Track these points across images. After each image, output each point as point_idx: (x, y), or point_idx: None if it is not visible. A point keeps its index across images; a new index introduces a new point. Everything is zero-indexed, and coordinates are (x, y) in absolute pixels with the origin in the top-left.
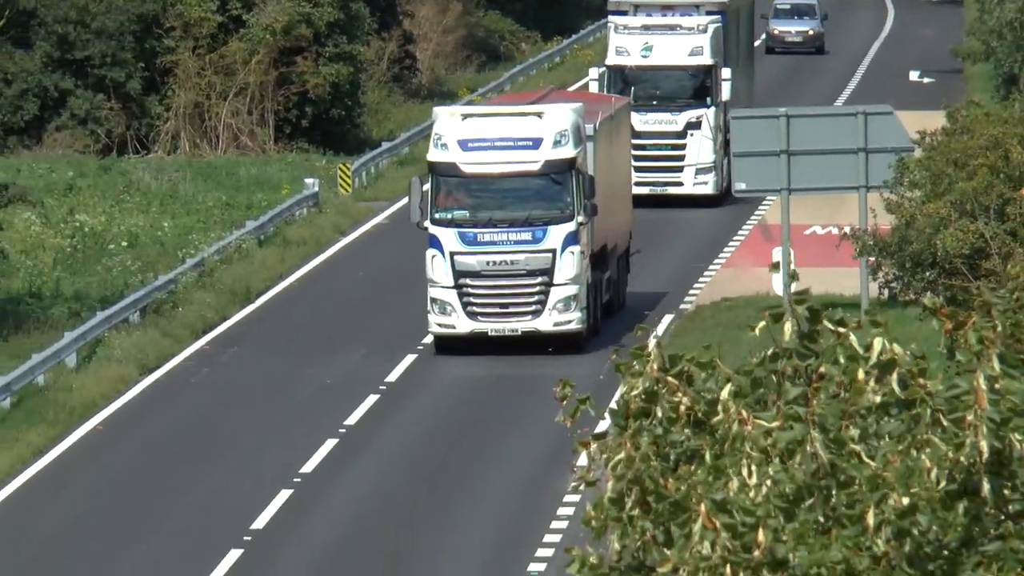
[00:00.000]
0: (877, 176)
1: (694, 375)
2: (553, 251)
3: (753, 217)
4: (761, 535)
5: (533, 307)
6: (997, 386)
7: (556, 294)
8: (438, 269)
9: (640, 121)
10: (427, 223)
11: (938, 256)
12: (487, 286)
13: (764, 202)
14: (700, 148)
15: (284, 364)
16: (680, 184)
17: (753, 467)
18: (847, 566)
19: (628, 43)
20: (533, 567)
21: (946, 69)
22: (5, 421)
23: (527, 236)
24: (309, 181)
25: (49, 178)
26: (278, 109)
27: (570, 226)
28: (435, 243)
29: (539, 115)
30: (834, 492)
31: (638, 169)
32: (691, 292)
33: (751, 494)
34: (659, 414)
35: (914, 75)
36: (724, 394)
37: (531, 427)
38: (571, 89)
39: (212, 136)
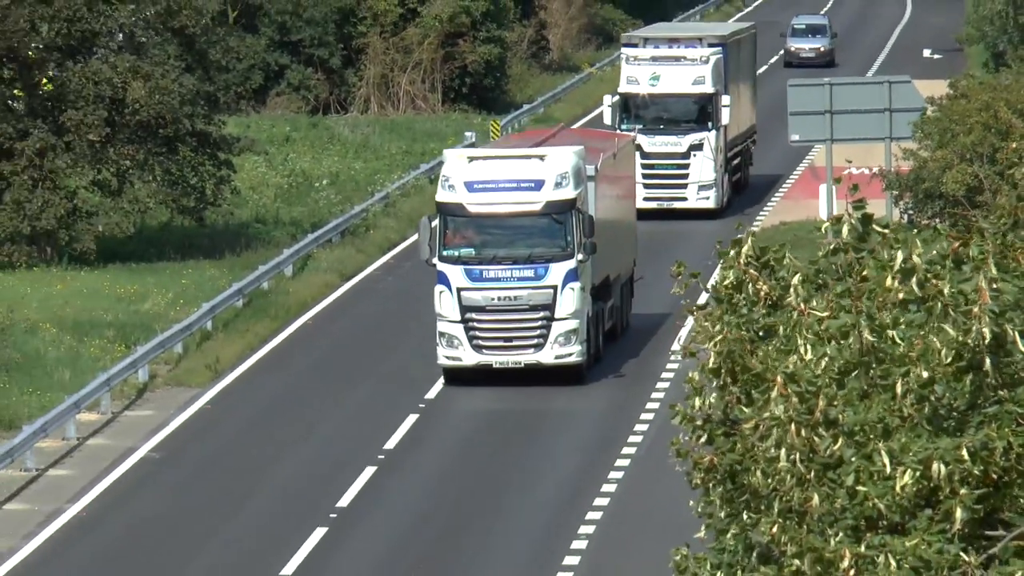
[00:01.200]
0: (898, 130)
1: (774, 266)
2: (554, 287)
3: (804, 162)
4: (821, 401)
5: (535, 341)
6: (995, 286)
7: (557, 328)
8: (446, 304)
9: (648, 143)
10: (436, 260)
11: (944, 191)
12: (492, 320)
13: (812, 151)
14: (702, 167)
15: None
16: (684, 199)
17: (809, 347)
18: (883, 424)
19: (638, 73)
20: None
21: (950, 49)
22: (238, 317)
23: (529, 273)
24: (468, 133)
25: (271, 132)
26: (444, 79)
27: (570, 263)
28: (443, 279)
29: (541, 158)
30: (874, 367)
31: (647, 186)
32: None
33: (813, 367)
34: (744, 298)
35: (927, 53)
36: (795, 280)
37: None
38: (580, 125)
39: (394, 100)
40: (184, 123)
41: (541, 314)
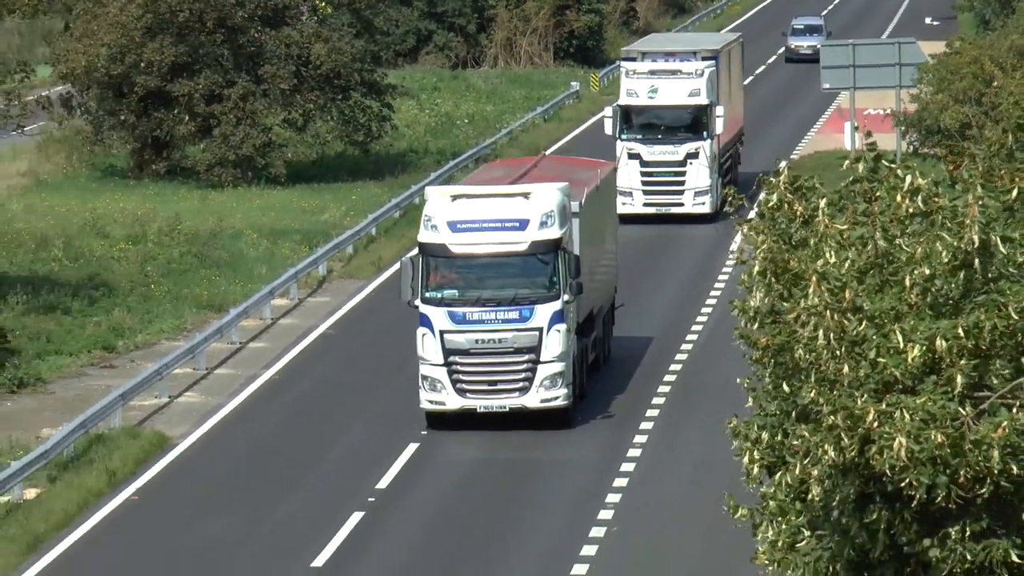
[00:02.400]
0: (906, 80)
1: (806, 191)
2: (540, 329)
3: (832, 105)
4: (847, 293)
5: (520, 384)
6: (982, 202)
7: (543, 371)
8: (428, 347)
9: (647, 152)
10: (418, 302)
11: (941, 127)
12: (476, 363)
13: (838, 96)
14: (698, 174)
15: None
16: (681, 205)
17: (833, 253)
18: (895, 311)
19: (637, 86)
20: None
21: (947, 16)
22: (396, 225)
23: (514, 315)
24: (574, 84)
25: (421, 82)
26: (555, 41)
27: (556, 305)
28: (425, 322)
29: (526, 196)
30: (886, 267)
31: (646, 192)
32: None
33: (838, 268)
34: (783, 215)
35: (928, 20)
36: (822, 203)
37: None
38: (561, 155)
39: (516, 57)
40: (355, 75)
41: (526, 357)
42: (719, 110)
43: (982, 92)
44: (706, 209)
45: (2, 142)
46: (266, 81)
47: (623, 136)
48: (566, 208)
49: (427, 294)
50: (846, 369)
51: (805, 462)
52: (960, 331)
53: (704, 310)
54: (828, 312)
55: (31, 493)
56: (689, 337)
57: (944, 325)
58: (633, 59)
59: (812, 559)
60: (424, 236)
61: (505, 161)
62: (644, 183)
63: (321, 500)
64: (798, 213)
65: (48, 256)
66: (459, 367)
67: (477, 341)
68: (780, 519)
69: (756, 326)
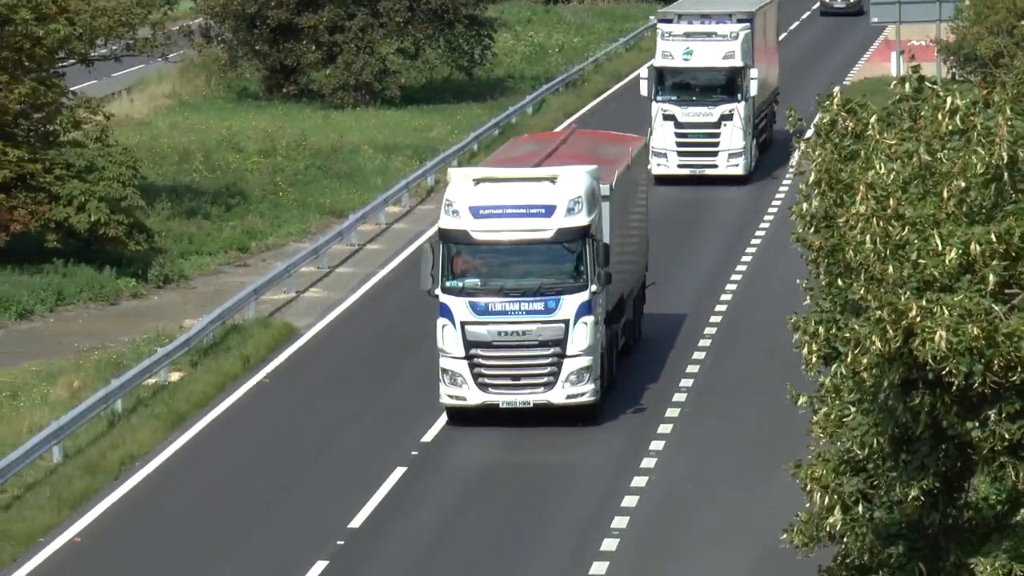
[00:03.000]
0: (946, 13)
1: (857, 110)
2: (566, 321)
3: (878, 39)
4: (892, 201)
5: (545, 379)
6: (1010, 123)
7: (569, 366)
8: (449, 339)
9: (682, 114)
10: (438, 291)
11: (978, 55)
12: (498, 357)
13: (883, 32)
14: (732, 136)
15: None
16: (716, 166)
17: (882, 165)
18: (935, 217)
19: (672, 48)
20: None
21: None
22: (495, 141)
23: (539, 306)
24: (651, 18)
25: (518, 16)
26: None
27: (583, 296)
28: (446, 312)
29: (552, 180)
30: (927, 178)
31: (680, 154)
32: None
33: (885, 179)
34: (836, 132)
35: None
36: (872, 119)
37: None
38: (594, 130)
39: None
40: (460, 9)
41: (552, 350)
42: (753, 72)
43: (1014, 25)
44: (740, 171)
45: (149, 68)
46: (383, 15)
47: (658, 98)
48: (595, 193)
49: (447, 283)
50: (891, 269)
51: (856, 352)
52: (992, 236)
53: (734, 277)
54: (875, 218)
55: (175, 376)
56: (718, 308)
57: (978, 231)
58: (669, 21)
59: (859, 433)
60: (445, 222)
61: (534, 136)
62: (679, 144)
63: (429, 385)
64: (850, 129)
65: (190, 168)
66: (481, 360)
67: (500, 333)
68: (834, 396)
69: (812, 230)
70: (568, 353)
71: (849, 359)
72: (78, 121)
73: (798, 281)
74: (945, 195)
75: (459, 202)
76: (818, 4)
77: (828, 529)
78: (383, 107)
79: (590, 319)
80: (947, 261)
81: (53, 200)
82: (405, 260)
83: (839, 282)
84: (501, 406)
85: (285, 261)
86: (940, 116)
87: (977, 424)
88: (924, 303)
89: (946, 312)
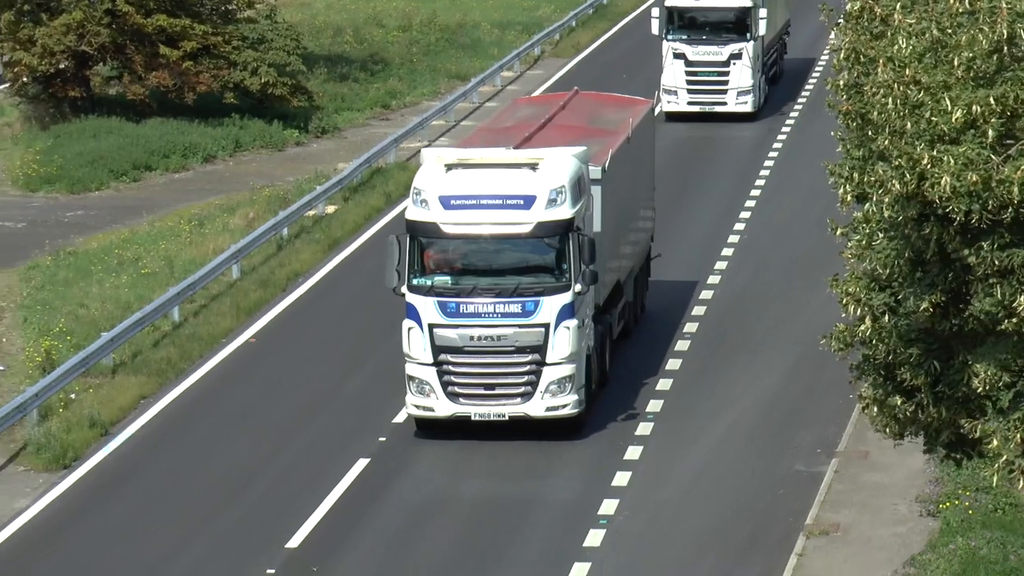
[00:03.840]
0: None
1: None
2: (546, 326)
3: None
4: (909, 70)
5: (523, 389)
6: (1009, 5)
7: (549, 375)
8: (415, 343)
9: (692, 52)
10: (404, 289)
11: None
12: (471, 364)
13: None
14: (741, 74)
15: None
16: (725, 104)
17: (903, 40)
18: (944, 82)
19: None
20: None
21: None
22: (589, 19)
23: (516, 308)
24: None
25: None
26: None
27: (565, 297)
28: (412, 313)
29: (533, 167)
30: (940, 50)
31: (690, 91)
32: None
33: (904, 51)
34: (865, 16)
35: None
36: (898, 5)
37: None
38: (595, 92)
39: None
40: None
41: (530, 357)
42: (762, 12)
43: None
44: (748, 108)
45: None
46: None
47: (669, 36)
48: (582, 179)
49: (414, 281)
50: (908, 126)
51: (880, 192)
52: (991, 99)
53: (748, 204)
54: (895, 84)
55: (331, 209)
56: (730, 239)
57: (980, 94)
58: None
59: (883, 256)
60: (412, 212)
61: (534, 98)
62: (689, 82)
63: None
64: (877, 14)
65: (341, 40)
66: (451, 367)
67: (472, 338)
68: (864, 224)
69: (845, 98)
70: (548, 361)
71: (875, 198)
72: (251, 1)
73: (833, 134)
74: (955, 64)
75: (428, 191)
76: None
77: (860, 335)
78: None
79: (573, 323)
80: (954, 119)
81: (231, 66)
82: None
83: (865, 136)
84: (473, 418)
85: (419, 116)
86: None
87: (974, 251)
88: (934, 153)
89: (952, 161)
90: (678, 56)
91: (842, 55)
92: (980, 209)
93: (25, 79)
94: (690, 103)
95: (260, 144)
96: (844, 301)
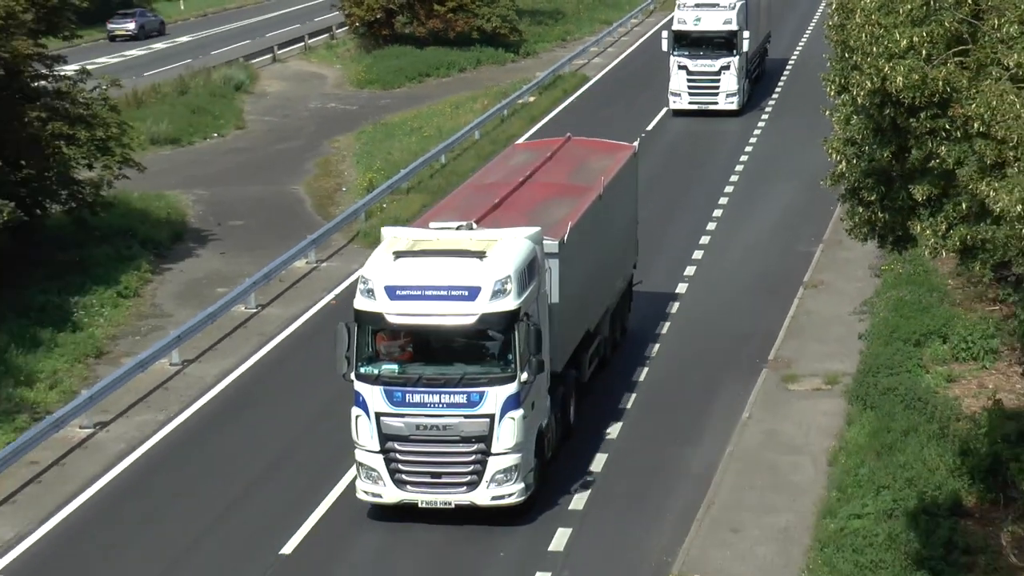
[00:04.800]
0: None
1: None
2: (491, 416)
3: None
4: (873, 16)
5: (468, 478)
6: None
7: (494, 465)
8: (363, 431)
9: (692, 64)
10: (352, 376)
11: None
12: (417, 452)
13: None
14: (729, 81)
15: None
16: (716, 103)
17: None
18: (894, 22)
19: (686, 16)
20: None
21: None
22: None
23: (462, 399)
24: None
25: None
26: None
27: (510, 388)
28: (360, 401)
29: (481, 256)
30: (891, 3)
31: (691, 93)
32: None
33: (870, 5)
34: None
35: None
36: None
37: None
38: (588, 139)
39: None
40: None
41: (475, 447)
42: (746, 34)
43: None
44: (734, 106)
45: None
46: None
47: (675, 52)
48: (534, 262)
49: (362, 369)
50: (874, 49)
51: (856, 87)
52: (924, 33)
53: (738, 168)
54: (865, 25)
55: (531, 98)
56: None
57: (916, 30)
58: None
59: (856, 127)
60: (359, 302)
61: (529, 144)
62: (689, 87)
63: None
64: None
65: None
66: (398, 455)
67: (418, 427)
68: (845, 107)
69: (833, 32)
70: (493, 451)
71: (854, 91)
72: None
73: (824, 55)
74: (900, 12)
75: (375, 280)
76: None
77: (839, 173)
78: None
79: (518, 413)
80: (902, 45)
81: (475, 16)
82: (638, 48)
83: (846, 55)
84: (420, 505)
85: (583, 46)
86: None
87: (914, 120)
88: (891, 64)
89: (902, 69)
90: (681, 67)
91: (834, 6)
92: (919, 95)
93: (357, 24)
94: (690, 102)
95: (491, 61)
96: (831, 153)
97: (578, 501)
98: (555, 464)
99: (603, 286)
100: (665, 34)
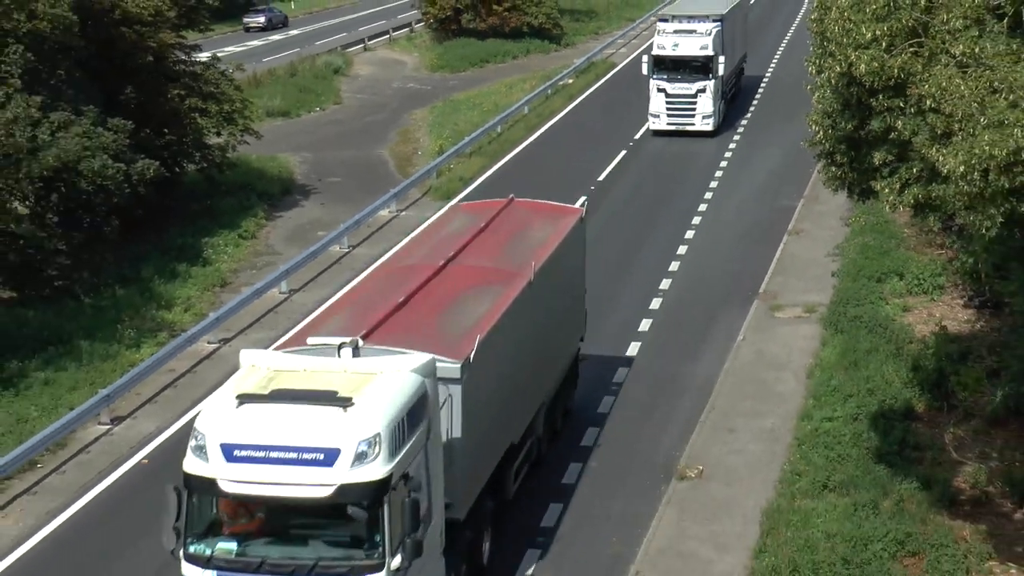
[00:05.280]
0: None
1: None
2: None
3: None
4: (846, 12)
5: None
6: None
7: None
8: None
9: (670, 88)
10: (181, 554)
11: None
12: None
13: None
14: (704, 103)
15: None
16: (693, 124)
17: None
18: (862, 18)
19: (665, 41)
20: None
21: None
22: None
23: None
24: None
25: None
26: None
27: None
28: None
29: (346, 405)
30: (860, 2)
31: (669, 114)
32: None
33: (844, 3)
34: None
35: None
36: None
37: None
38: (529, 201)
39: None
40: None
41: None
42: (721, 59)
43: None
44: (710, 127)
45: None
46: None
47: (654, 76)
48: (420, 403)
49: (191, 547)
50: (844, 39)
51: (828, 70)
52: (885, 28)
53: (718, 174)
54: (838, 19)
55: (570, 80)
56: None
57: (879, 25)
58: (666, 20)
59: (830, 100)
60: (189, 463)
61: (473, 205)
62: (667, 109)
63: None
64: None
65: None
66: None
67: None
68: (822, 85)
69: (815, 25)
70: None
71: (826, 73)
72: None
73: (809, 43)
74: (867, 11)
75: (209, 435)
76: None
77: (817, 139)
78: None
79: None
80: (867, 37)
81: (525, 14)
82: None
83: (823, 43)
84: None
85: (612, 38)
86: None
87: (874, 99)
88: (857, 52)
89: (865, 56)
90: (660, 90)
91: (816, 2)
92: (878, 79)
93: (431, 20)
94: (668, 123)
95: (538, 51)
96: (810, 123)
97: (605, 405)
98: (585, 373)
99: (533, 387)
100: (645, 58)
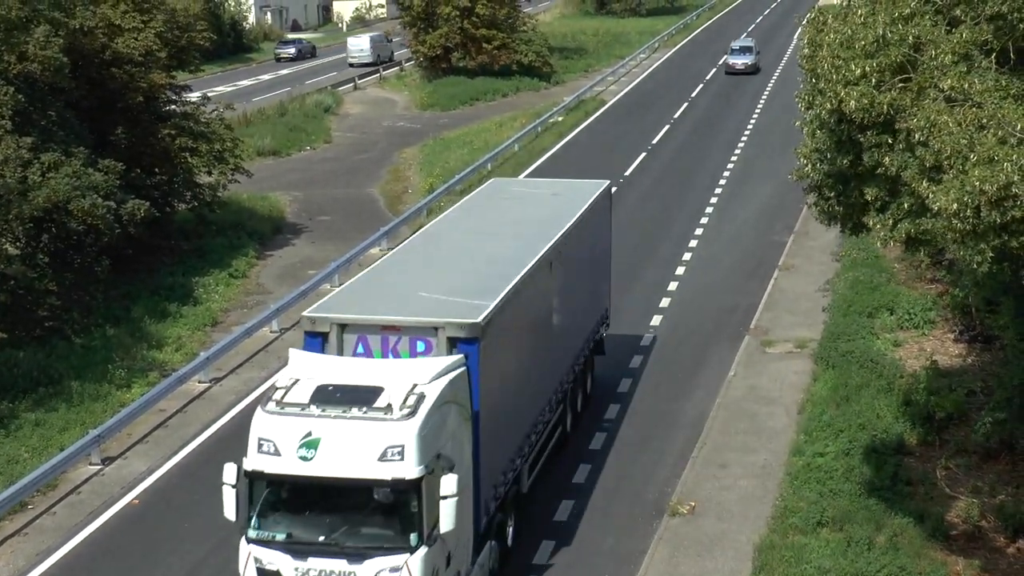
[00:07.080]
0: None
1: (824, 14)
2: None
3: None
4: (837, 49)
5: None
6: (882, 15)
7: None
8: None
9: (730, 61)
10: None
11: None
12: None
13: None
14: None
15: None
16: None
17: (832, 35)
18: (852, 55)
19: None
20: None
21: None
22: (682, 33)
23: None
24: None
25: None
26: None
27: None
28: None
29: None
30: (850, 41)
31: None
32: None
33: (833, 40)
34: (815, 23)
35: None
36: (830, 19)
37: None
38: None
39: None
40: None
41: None
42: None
43: None
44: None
45: None
46: None
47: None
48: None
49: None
50: (835, 76)
51: (819, 106)
52: (875, 64)
53: (725, 173)
54: (829, 57)
55: (560, 118)
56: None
57: (868, 62)
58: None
59: (822, 140)
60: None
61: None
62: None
63: None
64: (821, 20)
65: (565, 40)
66: None
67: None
68: (811, 122)
69: (805, 62)
70: None
71: (816, 109)
72: (524, 21)
73: (795, 97)
74: (856, 48)
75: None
76: (723, 63)
77: (806, 172)
78: (635, 16)
79: None
80: (856, 73)
81: (515, 52)
82: (644, 77)
83: (814, 81)
84: None
85: (601, 75)
86: (857, 14)
87: (864, 135)
88: (847, 90)
89: (855, 93)
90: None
91: (806, 39)
92: (868, 116)
93: (421, 59)
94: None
95: (528, 88)
96: (800, 156)
97: (596, 442)
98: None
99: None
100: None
